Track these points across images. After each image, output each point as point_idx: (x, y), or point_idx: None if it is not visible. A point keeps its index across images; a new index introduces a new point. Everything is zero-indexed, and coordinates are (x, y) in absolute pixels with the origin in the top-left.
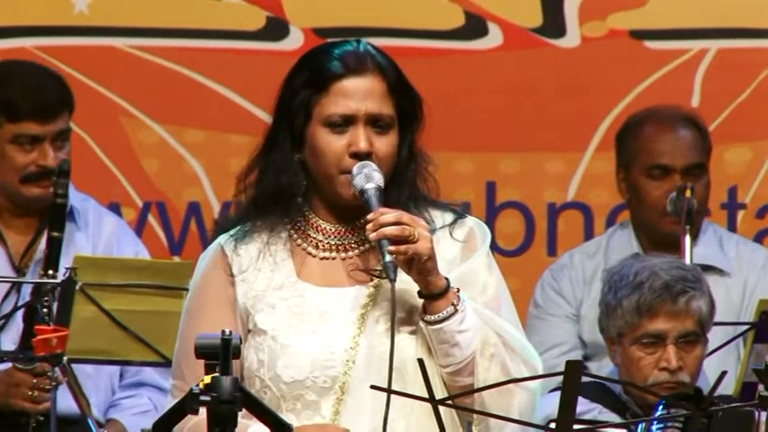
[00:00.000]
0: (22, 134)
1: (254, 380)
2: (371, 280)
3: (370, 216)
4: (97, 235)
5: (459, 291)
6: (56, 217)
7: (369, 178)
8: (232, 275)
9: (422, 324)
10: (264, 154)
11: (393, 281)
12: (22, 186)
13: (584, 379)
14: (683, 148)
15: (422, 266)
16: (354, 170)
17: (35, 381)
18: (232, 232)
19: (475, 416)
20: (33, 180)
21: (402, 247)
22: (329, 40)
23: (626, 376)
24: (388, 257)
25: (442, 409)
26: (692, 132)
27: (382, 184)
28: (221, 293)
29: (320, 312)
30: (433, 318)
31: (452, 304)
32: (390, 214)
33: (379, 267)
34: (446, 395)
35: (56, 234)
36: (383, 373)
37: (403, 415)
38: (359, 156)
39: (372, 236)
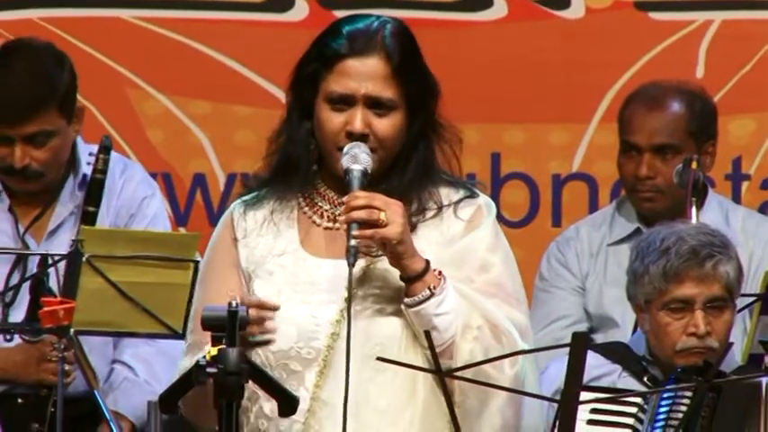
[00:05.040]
0: None
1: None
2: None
3: (344, 198)
4: (114, 195)
5: (440, 273)
6: (92, 192)
7: (355, 159)
8: (236, 239)
9: (402, 307)
10: (282, 124)
11: (351, 266)
12: (4, 177)
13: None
14: (653, 128)
15: (392, 250)
16: (345, 149)
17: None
18: (247, 198)
19: (457, 399)
20: (7, 174)
21: (367, 232)
22: (335, 11)
23: (654, 343)
24: (352, 242)
25: (424, 388)
26: (674, 111)
27: (370, 167)
28: (226, 255)
29: (312, 283)
30: (410, 301)
31: (429, 288)
32: (361, 198)
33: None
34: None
35: (91, 209)
36: (366, 348)
37: (409, 405)
38: (353, 136)
39: (341, 218)
